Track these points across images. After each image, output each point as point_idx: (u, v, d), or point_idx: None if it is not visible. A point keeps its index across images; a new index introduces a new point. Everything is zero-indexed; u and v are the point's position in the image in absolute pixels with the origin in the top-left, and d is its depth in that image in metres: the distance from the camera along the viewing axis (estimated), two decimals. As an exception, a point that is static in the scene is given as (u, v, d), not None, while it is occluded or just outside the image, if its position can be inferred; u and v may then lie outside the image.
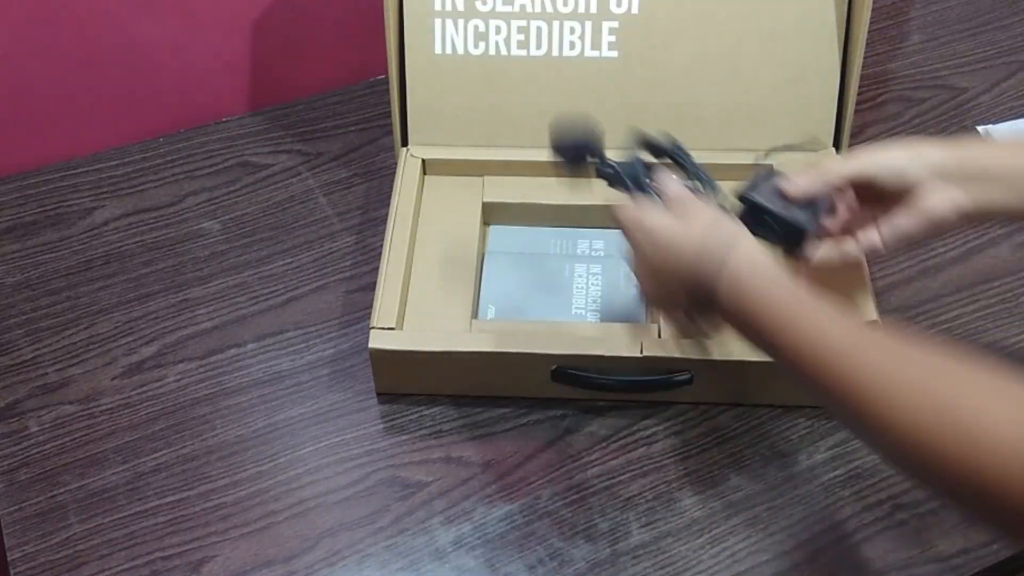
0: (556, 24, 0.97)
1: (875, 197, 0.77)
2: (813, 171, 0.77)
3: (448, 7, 0.96)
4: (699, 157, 0.97)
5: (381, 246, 0.91)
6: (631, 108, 0.99)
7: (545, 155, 0.98)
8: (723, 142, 0.99)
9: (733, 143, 0.99)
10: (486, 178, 0.99)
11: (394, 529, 0.81)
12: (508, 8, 0.96)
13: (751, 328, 0.66)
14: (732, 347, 0.84)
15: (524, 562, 0.79)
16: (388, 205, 0.94)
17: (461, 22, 0.97)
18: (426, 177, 1.00)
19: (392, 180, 0.97)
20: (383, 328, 0.85)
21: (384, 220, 0.94)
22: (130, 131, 1.12)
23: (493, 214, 0.98)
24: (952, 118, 1.13)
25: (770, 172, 0.81)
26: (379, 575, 0.79)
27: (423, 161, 0.99)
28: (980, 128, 1.10)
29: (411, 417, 0.88)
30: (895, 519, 0.81)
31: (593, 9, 0.96)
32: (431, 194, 0.98)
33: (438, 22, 0.96)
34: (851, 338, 0.60)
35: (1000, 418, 0.52)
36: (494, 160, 0.99)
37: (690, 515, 0.81)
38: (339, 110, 1.15)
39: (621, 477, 0.84)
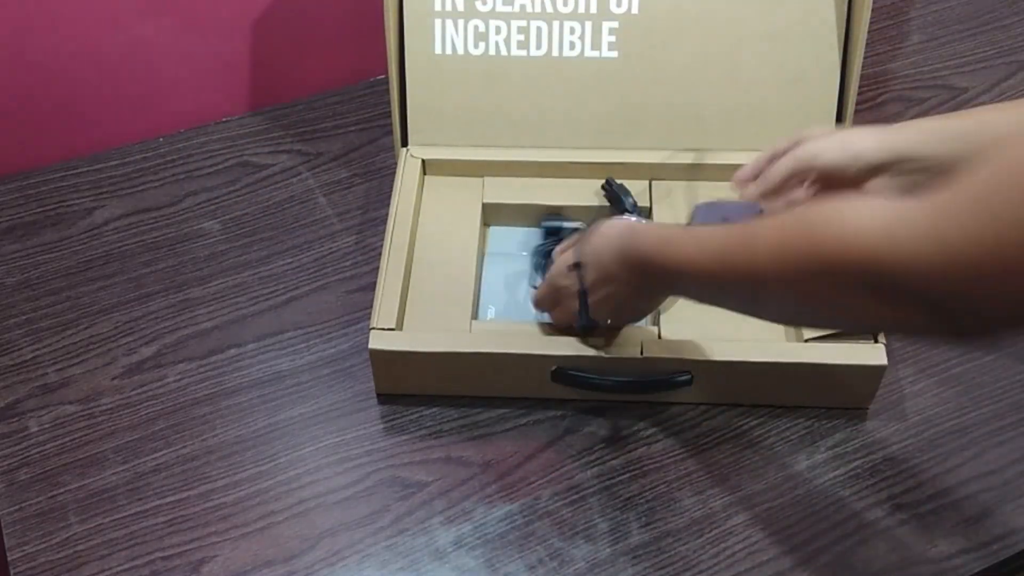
0: (556, 24, 0.97)
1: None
2: (760, 180, 0.84)
3: (448, 7, 0.96)
4: (699, 157, 0.97)
5: (381, 246, 0.91)
6: (631, 108, 0.99)
7: (545, 155, 0.99)
8: (723, 142, 0.99)
9: (733, 143, 0.99)
10: (486, 179, 0.99)
11: (394, 529, 0.81)
12: (508, 8, 0.96)
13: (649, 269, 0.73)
14: (732, 347, 0.84)
15: (524, 562, 0.79)
16: (388, 205, 0.94)
17: (461, 22, 0.97)
18: (426, 177, 1.00)
19: (392, 180, 0.97)
20: (383, 329, 0.85)
21: (384, 220, 0.94)
22: (130, 131, 1.12)
23: (493, 215, 0.98)
24: (952, 118, 1.13)
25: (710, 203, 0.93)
26: (379, 575, 0.79)
27: (423, 161, 0.99)
28: (980, 128, 1.10)
29: (411, 417, 0.88)
30: (895, 519, 0.81)
31: (593, 9, 0.96)
32: (431, 194, 0.98)
33: (438, 22, 0.96)
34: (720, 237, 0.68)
35: (844, 215, 0.57)
36: (494, 160, 0.99)
37: (690, 515, 0.81)
38: (339, 110, 1.15)
39: (621, 477, 0.84)
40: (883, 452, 0.85)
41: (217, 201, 1.06)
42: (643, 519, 0.81)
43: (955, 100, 1.15)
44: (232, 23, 1.11)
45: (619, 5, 0.96)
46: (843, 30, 0.96)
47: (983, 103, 1.14)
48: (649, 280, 0.74)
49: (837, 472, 0.84)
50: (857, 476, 0.84)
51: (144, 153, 1.10)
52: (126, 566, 0.79)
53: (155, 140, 1.12)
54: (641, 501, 0.82)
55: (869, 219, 0.55)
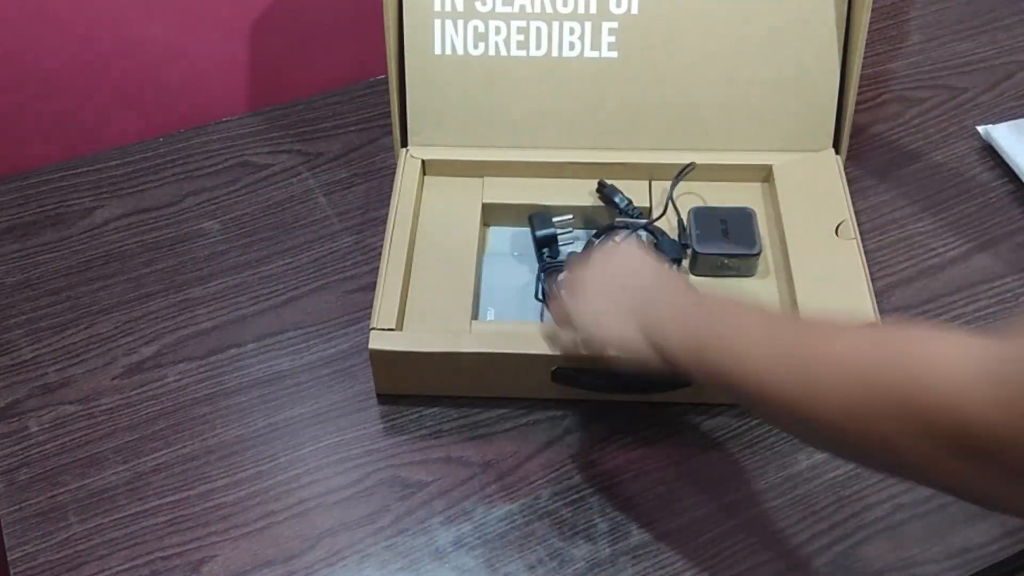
0: (556, 24, 0.97)
1: None
2: None
3: (448, 8, 0.96)
4: (699, 158, 0.97)
5: (381, 246, 0.91)
6: (631, 108, 0.99)
7: (545, 156, 0.99)
8: (723, 143, 0.99)
9: (733, 143, 0.99)
10: (486, 179, 0.99)
11: (394, 529, 0.81)
12: (508, 9, 0.96)
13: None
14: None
15: (524, 562, 0.79)
16: (388, 205, 0.94)
17: (461, 22, 0.97)
18: (426, 177, 0.99)
19: (392, 180, 0.97)
20: (383, 329, 0.85)
21: (384, 220, 0.94)
22: (130, 131, 1.12)
23: (493, 215, 0.98)
24: (952, 118, 1.13)
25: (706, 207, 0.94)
26: (379, 575, 0.79)
27: (423, 162, 0.99)
28: (980, 128, 1.10)
29: (411, 417, 0.88)
30: (895, 519, 0.81)
31: (593, 9, 0.96)
32: (431, 194, 0.98)
33: (437, 23, 0.96)
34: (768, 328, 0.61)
35: (935, 351, 0.51)
36: (494, 161, 0.99)
37: (690, 515, 0.81)
38: (339, 110, 1.15)
39: (621, 477, 0.84)
40: (883, 452, 0.85)
41: (217, 201, 1.06)
42: (643, 519, 0.81)
43: (955, 100, 1.15)
44: (232, 23, 1.11)
45: (619, 5, 0.96)
46: (843, 30, 0.96)
47: (983, 103, 1.14)
48: (679, 345, 0.65)
49: (837, 472, 0.84)
50: (857, 476, 0.83)
51: (144, 153, 1.10)
52: (126, 566, 0.79)
53: (155, 140, 1.12)
54: (641, 501, 0.82)
55: (966, 366, 0.47)
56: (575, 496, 0.83)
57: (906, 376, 0.50)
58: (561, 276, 0.83)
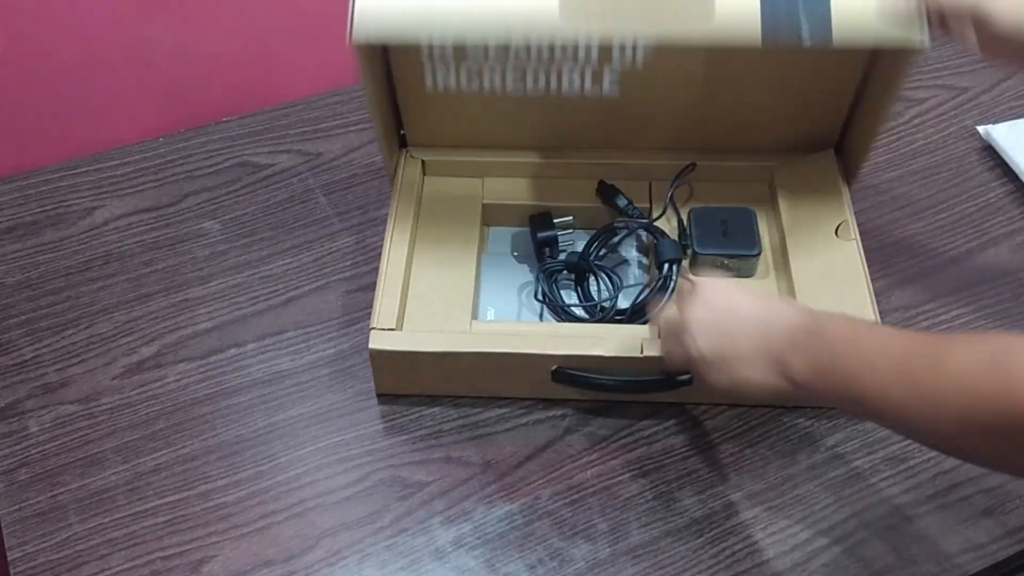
0: (553, 67, 0.91)
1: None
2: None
3: (436, 51, 0.90)
4: (699, 159, 0.97)
5: (381, 246, 0.91)
6: (632, 129, 0.97)
7: (545, 156, 0.99)
8: (726, 149, 0.98)
9: (735, 150, 0.98)
10: (486, 179, 0.99)
11: (394, 529, 0.81)
12: (502, 56, 0.90)
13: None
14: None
15: (524, 562, 0.79)
16: (388, 205, 0.94)
17: (453, 63, 0.91)
18: (426, 177, 0.99)
19: (392, 180, 0.97)
20: (383, 329, 0.85)
21: (384, 220, 0.94)
22: (130, 131, 1.12)
23: (493, 215, 0.98)
24: (952, 118, 1.13)
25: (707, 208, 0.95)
26: (379, 575, 0.79)
27: (423, 162, 0.99)
28: (980, 128, 1.10)
29: (411, 417, 0.88)
30: (895, 519, 0.81)
31: (593, 55, 0.90)
32: (431, 195, 0.98)
33: (427, 64, 0.91)
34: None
35: None
36: (494, 161, 0.99)
37: (690, 515, 0.82)
38: (339, 110, 1.15)
39: (621, 477, 0.84)
40: (883, 452, 0.85)
41: (217, 201, 1.06)
42: (643, 519, 0.81)
43: (955, 100, 1.15)
44: (232, 23, 1.11)
45: (622, 53, 0.89)
46: (857, 76, 0.93)
47: (983, 103, 1.14)
48: (809, 374, 0.67)
49: (837, 472, 0.84)
50: (857, 476, 0.84)
51: (144, 153, 1.11)
52: (126, 566, 0.79)
53: (155, 140, 1.12)
54: (641, 501, 0.82)
55: None
56: (575, 496, 0.83)
57: (1015, 390, 0.54)
58: (663, 316, 0.81)
